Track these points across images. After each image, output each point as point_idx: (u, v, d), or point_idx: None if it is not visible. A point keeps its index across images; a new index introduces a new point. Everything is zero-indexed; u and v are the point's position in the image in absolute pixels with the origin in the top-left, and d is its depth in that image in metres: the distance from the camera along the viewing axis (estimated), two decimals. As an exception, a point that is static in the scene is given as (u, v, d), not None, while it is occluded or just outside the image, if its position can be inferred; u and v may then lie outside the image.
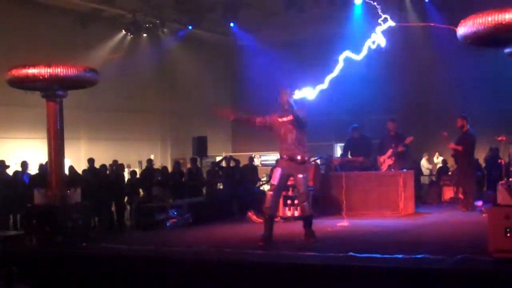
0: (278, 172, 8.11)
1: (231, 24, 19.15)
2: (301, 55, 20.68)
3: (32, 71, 8.75)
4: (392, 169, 11.69)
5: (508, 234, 5.79)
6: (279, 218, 10.75)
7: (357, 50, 8.58)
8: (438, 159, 18.13)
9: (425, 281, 5.69)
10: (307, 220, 8.15)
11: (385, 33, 8.67)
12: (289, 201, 10.91)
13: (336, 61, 8.24)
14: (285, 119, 8.06)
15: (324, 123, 21.30)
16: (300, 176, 8.02)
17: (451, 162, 14.85)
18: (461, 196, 12.32)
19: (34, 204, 9.11)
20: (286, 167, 8.08)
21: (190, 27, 19.24)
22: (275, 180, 8.08)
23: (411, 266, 5.98)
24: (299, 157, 8.00)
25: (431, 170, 18.26)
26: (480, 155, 14.77)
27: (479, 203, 11.85)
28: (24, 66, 8.82)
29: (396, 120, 12.59)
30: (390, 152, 11.89)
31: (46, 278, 7.76)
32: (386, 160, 11.94)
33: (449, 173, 15.10)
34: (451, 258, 6.01)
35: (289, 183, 8.95)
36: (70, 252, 8.17)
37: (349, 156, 12.72)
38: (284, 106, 8.03)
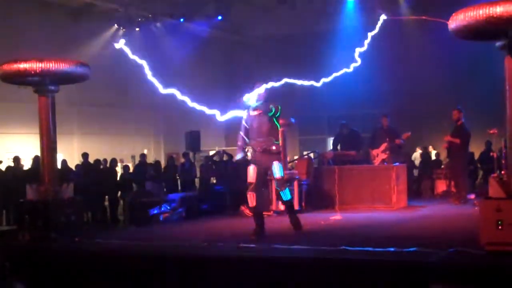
0: (253, 170, 8.04)
1: (219, 17, 19.04)
2: (294, 51, 20.64)
3: (23, 65, 8.70)
4: (385, 163, 11.73)
5: (500, 227, 5.81)
6: (272, 211, 10.77)
7: (351, 45, 8.60)
8: (431, 153, 18.14)
9: (417, 274, 5.71)
10: (287, 205, 8.16)
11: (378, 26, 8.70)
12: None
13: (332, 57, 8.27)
14: (258, 112, 8.11)
15: (317, 117, 21.36)
16: (275, 163, 7.99)
17: (443, 155, 14.88)
18: (453, 189, 12.37)
19: (27, 199, 9.08)
20: (261, 161, 8.05)
21: (181, 20, 19.13)
22: (252, 179, 8.01)
23: (404, 259, 6.00)
24: (273, 148, 8.03)
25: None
26: (474, 149, 14.78)
27: (472, 196, 11.91)
28: (16, 61, 8.78)
29: (389, 115, 12.62)
30: (384, 146, 11.91)
31: (39, 273, 7.75)
32: (380, 154, 11.97)
33: (442, 166, 15.13)
34: (443, 251, 6.03)
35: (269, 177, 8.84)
36: (63, 247, 8.15)
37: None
38: (259, 98, 8.10)
